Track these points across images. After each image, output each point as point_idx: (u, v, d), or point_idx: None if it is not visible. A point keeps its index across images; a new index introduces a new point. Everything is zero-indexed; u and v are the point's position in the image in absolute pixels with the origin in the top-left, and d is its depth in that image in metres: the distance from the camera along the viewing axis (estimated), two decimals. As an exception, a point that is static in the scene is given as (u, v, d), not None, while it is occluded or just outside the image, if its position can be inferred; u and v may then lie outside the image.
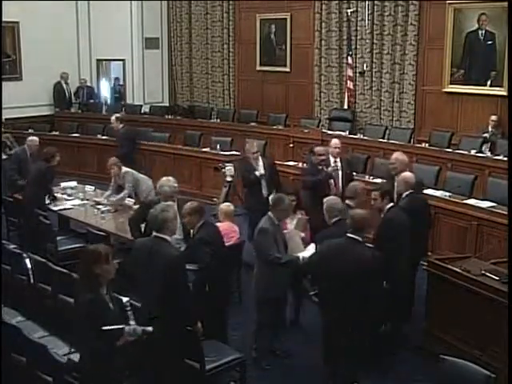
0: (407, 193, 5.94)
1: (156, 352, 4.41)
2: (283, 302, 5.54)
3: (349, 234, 4.74)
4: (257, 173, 7.38)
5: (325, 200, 5.45)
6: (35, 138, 8.83)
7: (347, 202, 5.84)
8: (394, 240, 5.17)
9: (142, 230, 5.94)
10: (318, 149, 7.59)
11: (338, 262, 4.65)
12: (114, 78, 14.64)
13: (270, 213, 5.30)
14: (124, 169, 7.88)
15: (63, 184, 8.65)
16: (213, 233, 5.27)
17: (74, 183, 8.82)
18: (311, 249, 5.48)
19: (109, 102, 14.56)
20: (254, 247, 5.43)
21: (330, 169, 7.34)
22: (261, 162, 7.51)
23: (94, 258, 3.80)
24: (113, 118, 10.19)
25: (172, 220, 4.55)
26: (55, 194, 8.00)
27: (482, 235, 7.01)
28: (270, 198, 5.79)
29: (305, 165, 8.29)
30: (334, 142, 7.63)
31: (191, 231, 5.32)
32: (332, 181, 7.28)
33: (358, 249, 4.70)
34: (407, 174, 6.11)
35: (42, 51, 13.07)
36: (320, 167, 7.29)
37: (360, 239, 4.72)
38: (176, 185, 5.95)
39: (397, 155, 6.58)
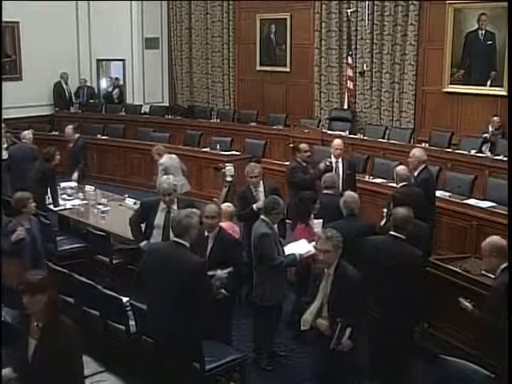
0: (401, 184, 6.27)
1: (168, 357, 4.38)
2: (283, 305, 5.56)
3: (391, 232, 4.75)
4: (254, 206, 6.28)
5: (344, 194, 5.50)
6: (29, 131, 9.19)
7: (326, 191, 6.17)
8: None
9: (143, 230, 5.95)
10: (302, 145, 7.56)
11: (381, 259, 4.69)
12: (114, 77, 14.59)
13: (263, 217, 5.28)
14: (162, 159, 7.94)
15: (63, 184, 8.63)
16: (230, 235, 5.38)
17: (74, 183, 8.80)
18: (305, 244, 5.47)
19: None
20: (254, 253, 5.33)
21: (321, 165, 7.26)
22: (261, 188, 6.49)
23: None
24: (69, 127, 9.49)
25: (195, 227, 4.54)
26: (58, 199, 7.91)
27: (482, 235, 6.99)
28: (265, 201, 5.57)
29: (289, 163, 8.02)
30: (336, 142, 7.62)
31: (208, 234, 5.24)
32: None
33: (400, 246, 4.71)
34: (400, 167, 6.49)
35: (41, 51, 13.07)
36: (305, 164, 7.28)
37: (402, 237, 4.72)
38: (176, 183, 5.95)
39: (415, 151, 6.85)
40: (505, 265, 4.28)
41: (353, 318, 4.26)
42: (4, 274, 5.16)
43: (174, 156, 8.29)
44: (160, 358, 4.41)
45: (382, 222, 5.98)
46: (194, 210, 4.92)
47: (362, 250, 4.90)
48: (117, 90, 14.43)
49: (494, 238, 4.40)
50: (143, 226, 5.93)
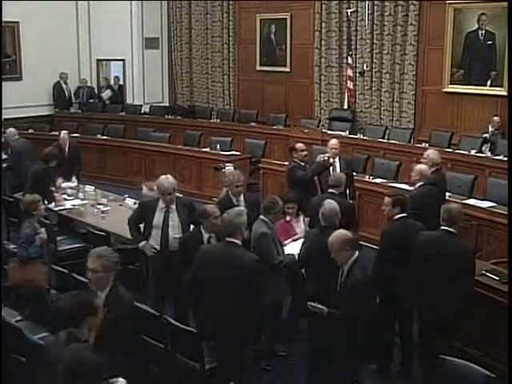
0: (420, 184, 6.19)
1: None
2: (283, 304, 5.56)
3: (444, 227, 4.78)
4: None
5: (325, 202, 5.30)
6: (11, 129, 9.14)
7: (331, 190, 6.11)
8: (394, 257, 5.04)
9: (141, 230, 5.91)
10: (299, 145, 7.56)
11: (435, 254, 4.71)
12: (114, 77, 14.57)
13: (262, 217, 5.29)
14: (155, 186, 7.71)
15: (63, 184, 8.64)
16: None
17: (73, 183, 8.80)
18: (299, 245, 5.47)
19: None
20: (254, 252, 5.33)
21: (319, 158, 7.23)
22: (242, 198, 6.09)
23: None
24: (64, 132, 9.41)
25: (245, 225, 4.60)
26: (54, 195, 7.94)
27: (482, 235, 7.00)
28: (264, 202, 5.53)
29: (287, 163, 7.93)
30: (332, 142, 7.62)
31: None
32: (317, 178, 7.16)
33: (454, 241, 4.78)
34: (422, 166, 6.35)
35: (42, 51, 13.08)
36: (304, 164, 7.29)
37: (455, 232, 4.78)
38: (175, 182, 5.91)
39: (429, 152, 6.78)
40: (355, 256, 4.35)
41: (119, 363, 3.58)
42: (32, 278, 5.37)
43: None
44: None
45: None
46: (242, 208, 4.94)
47: (415, 245, 4.88)
48: (107, 91, 14.30)
49: (339, 233, 4.44)
50: (142, 226, 5.90)
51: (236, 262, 4.43)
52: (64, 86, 13.87)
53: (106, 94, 14.28)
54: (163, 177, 5.94)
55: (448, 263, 4.63)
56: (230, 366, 4.56)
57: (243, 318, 4.43)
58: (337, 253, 4.40)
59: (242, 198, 6.10)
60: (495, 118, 9.90)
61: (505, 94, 9.69)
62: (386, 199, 5.29)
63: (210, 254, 4.65)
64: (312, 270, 5.03)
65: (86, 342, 3.39)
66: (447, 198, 7.47)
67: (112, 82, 14.49)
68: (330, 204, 5.12)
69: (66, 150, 9.11)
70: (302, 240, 5.56)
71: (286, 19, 12.81)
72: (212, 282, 4.51)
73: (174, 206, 5.68)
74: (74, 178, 8.87)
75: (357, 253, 4.38)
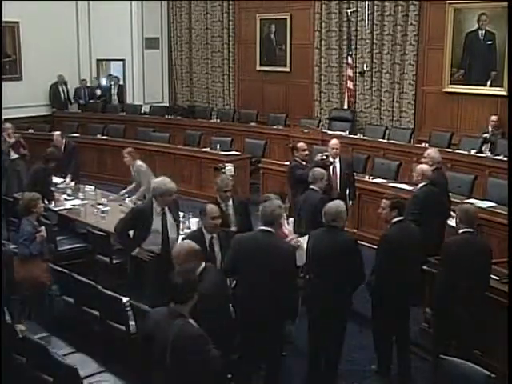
0: (422, 184, 6.22)
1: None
2: None
3: (464, 229, 4.83)
4: (233, 229, 5.69)
5: (330, 203, 5.17)
6: None
7: (311, 186, 6.23)
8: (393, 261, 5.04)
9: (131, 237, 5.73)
10: (300, 144, 7.58)
11: (469, 256, 4.76)
12: (113, 77, 14.57)
13: None
14: (138, 161, 7.89)
15: (63, 185, 8.64)
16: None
17: (72, 183, 8.80)
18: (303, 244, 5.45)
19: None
20: None
21: (318, 157, 7.26)
22: (230, 202, 5.90)
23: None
24: (57, 133, 9.37)
25: (282, 218, 4.84)
26: (54, 194, 7.95)
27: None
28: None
29: (287, 163, 7.95)
30: (333, 142, 7.64)
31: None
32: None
33: (479, 241, 4.98)
34: (424, 166, 6.37)
35: (42, 51, 13.08)
36: (305, 163, 7.30)
37: (474, 231, 4.89)
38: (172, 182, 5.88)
39: (429, 151, 6.81)
40: (201, 268, 4.21)
41: None
42: (35, 276, 5.45)
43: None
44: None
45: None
46: (279, 201, 5.06)
47: (444, 253, 4.93)
48: (97, 90, 14.32)
49: (185, 244, 4.38)
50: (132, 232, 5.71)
51: (273, 250, 4.52)
52: (60, 87, 13.84)
53: (96, 92, 14.30)
54: (161, 177, 5.87)
55: (480, 262, 4.78)
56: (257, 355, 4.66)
57: (281, 303, 4.48)
58: (182, 264, 4.15)
59: (230, 202, 5.93)
60: (493, 116, 9.89)
61: (505, 93, 9.70)
62: (384, 202, 5.20)
63: (248, 242, 4.67)
64: (316, 271, 4.99)
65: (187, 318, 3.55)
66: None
67: (112, 82, 14.50)
68: (334, 203, 5.05)
69: (62, 150, 9.08)
70: (301, 240, 5.57)
71: (285, 19, 12.81)
72: (251, 268, 4.52)
73: (166, 208, 5.62)
74: (68, 178, 8.86)
75: (203, 264, 4.25)
